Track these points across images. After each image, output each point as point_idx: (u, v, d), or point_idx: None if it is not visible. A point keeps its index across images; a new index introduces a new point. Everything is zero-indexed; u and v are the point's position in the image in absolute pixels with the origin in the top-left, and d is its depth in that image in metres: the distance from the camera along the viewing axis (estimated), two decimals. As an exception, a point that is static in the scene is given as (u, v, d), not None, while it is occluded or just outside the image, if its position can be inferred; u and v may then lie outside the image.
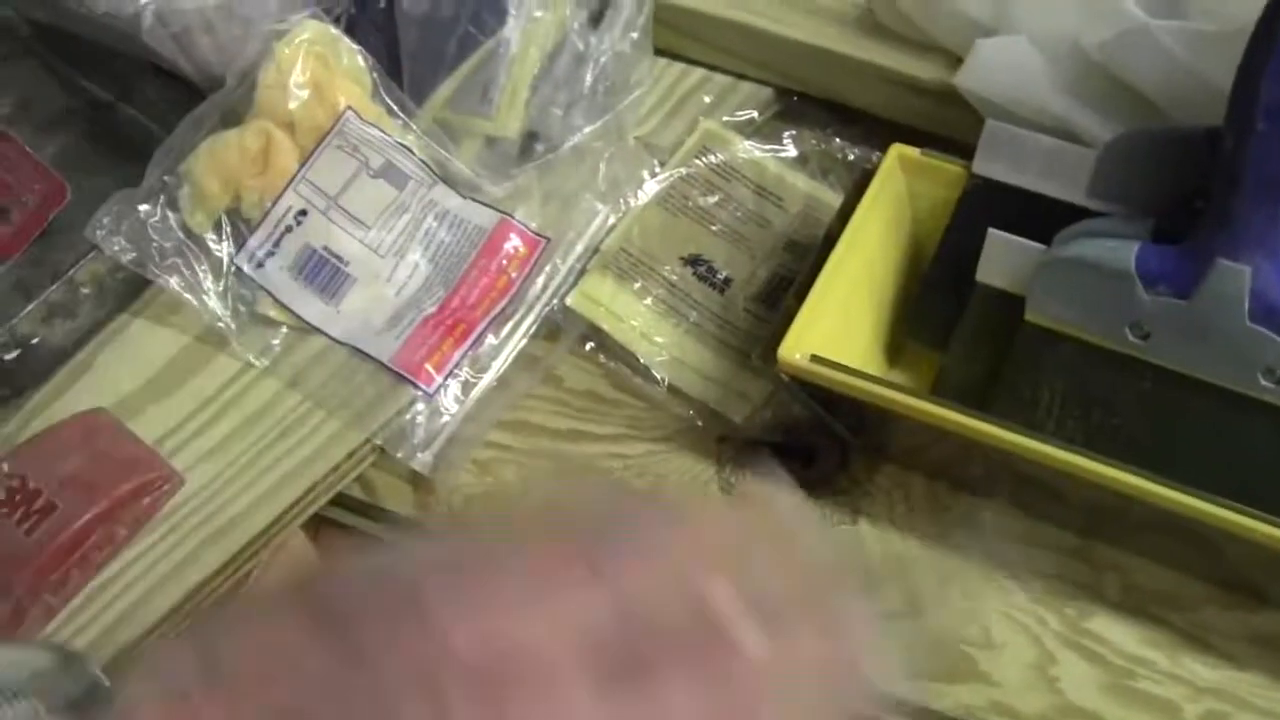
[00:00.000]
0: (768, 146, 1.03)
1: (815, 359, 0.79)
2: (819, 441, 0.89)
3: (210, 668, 0.40)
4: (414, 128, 0.98)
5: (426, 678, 0.39)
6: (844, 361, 0.80)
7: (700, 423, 0.92)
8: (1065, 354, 0.80)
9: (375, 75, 0.98)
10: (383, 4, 1.01)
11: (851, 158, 1.01)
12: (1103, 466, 0.74)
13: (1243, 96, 0.67)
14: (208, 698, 0.39)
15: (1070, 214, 0.81)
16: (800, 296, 0.81)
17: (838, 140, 1.03)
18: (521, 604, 0.41)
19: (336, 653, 0.39)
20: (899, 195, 0.89)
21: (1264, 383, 0.75)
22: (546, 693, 0.39)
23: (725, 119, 1.05)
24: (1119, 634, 0.83)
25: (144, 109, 1.05)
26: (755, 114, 1.06)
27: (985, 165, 0.85)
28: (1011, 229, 0.82)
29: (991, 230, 0.82)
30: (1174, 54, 0.81)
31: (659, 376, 0.93)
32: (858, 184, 0.87)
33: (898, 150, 0.88)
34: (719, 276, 0.96)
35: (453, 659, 0.39)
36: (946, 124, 0.94)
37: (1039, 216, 0.82)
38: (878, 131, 0.94)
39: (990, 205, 0.84)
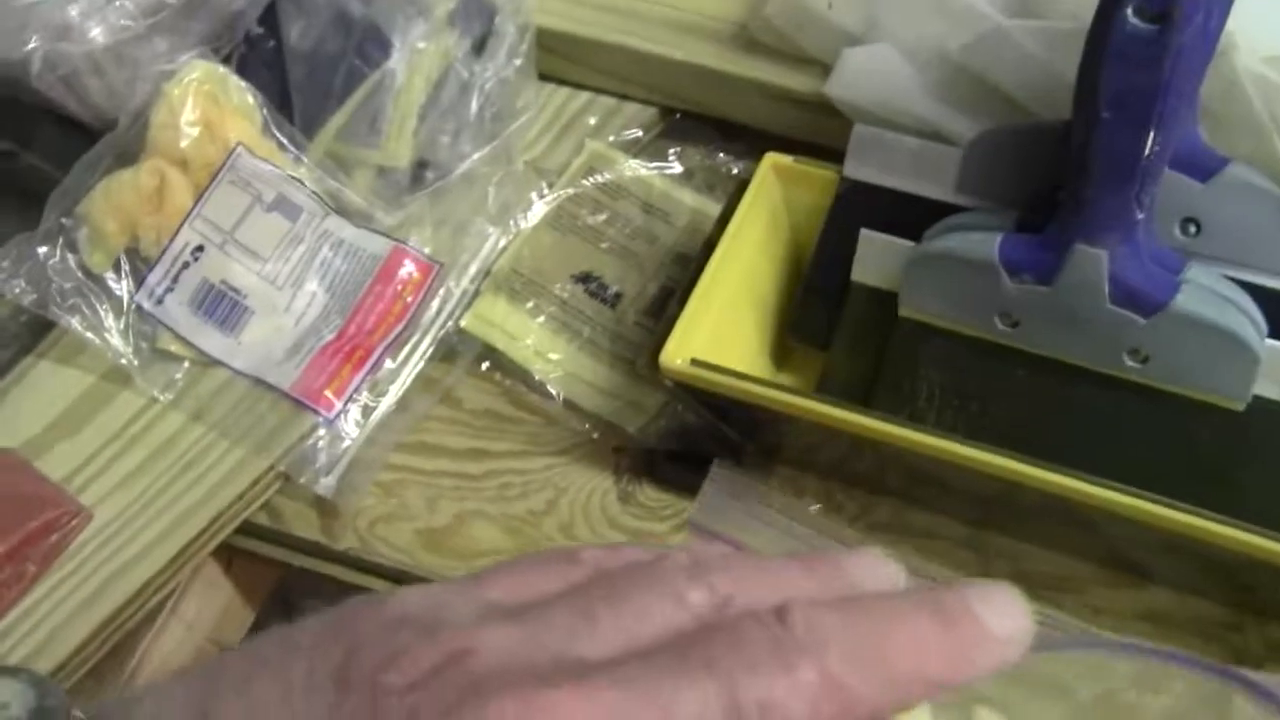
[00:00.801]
0: (654, 164, 1.05)
1: (696, 363, 0.80)
2: (713, 447, 0.90)
3: None
4: (305, 161, 0.99)
5: None
6: (729, 364, 0.82)
7: (597, 435, 0.93)
8: (939, 346, 0.82)
9: (265, 111, 1.00)
10: (271, 41, 1.02)
11: (736, 171, 1.03)
12: (977, 452, 0.76)
13: (1086, 88, 0.69)
14: None
15: (940, 211, 0.83)
16: (681, 304, 0.83)
17: (721, 155, 1.05)
18: None
19: None
20: (774, 202, 0.91)
21: (1129, 362, 0.77)
22: None
23: (611, 139, 1.07)
24: (1011, 620, 0.85)
25: (44, 155, 1.05)
26: (640, 133, 1.08)
27: (855, 168, 0.87)
28: (884, 229, 0.85)
29: (864, 230, 0.85)
30: (1030, 52, 0.84)
31: (554, 392, 0.95)
32: (734, 193, 0.89)
33: (771, 159, 0.90)
34: (609, 292, 0.98)
35: None
36: (825, 133, 0.96)
37: (910, 215, 0.84)
38: (760, 144, 0.96)
39: (862, 207, 0.86)
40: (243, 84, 1.00)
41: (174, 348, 0.96)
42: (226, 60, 1.01)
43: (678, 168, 1.05)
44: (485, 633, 0.39)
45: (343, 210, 0.99)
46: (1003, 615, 0.42)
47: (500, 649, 0.39)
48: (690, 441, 0.91)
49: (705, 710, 0.37)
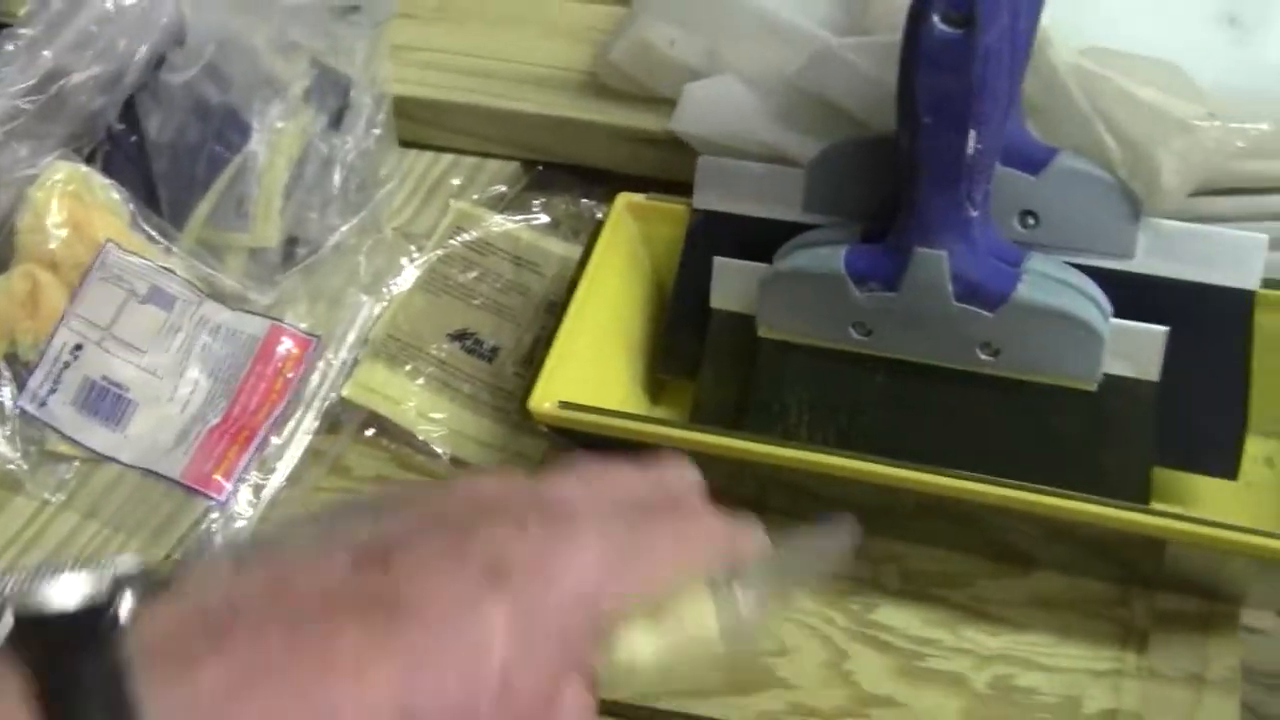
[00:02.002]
0: (520, 217, 1.06)
1: (564, 405, 0.82)
2: (599, 486, 0.91)
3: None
4: (176, 250, 1.00)
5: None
6: (603, 404, 0.84)
7: (485, 488, 0.94)
8: (801, 362, 0.84)
9: (131, 206, 1.01)
10: (133, 136, 1.03)
11: (600, 215, 1.04)
12: (848, 462, 0.77)
13: (905, 96, 0.71)
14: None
15: (790, 231, 0.85)
16: (547, 350, 0.84)
17: (585, 201, 1.07)
18: None
19: None
20: (632, 240, 0.92)
21: (982, 356, 0.79)
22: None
23: (476, 197, 1.09)
24: (903, 620, 0.86)
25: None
26: (504, 188, 1.10)
27: (705, 199, 0.89)
28: (739, 254, 0.86)
29: (717, 258, 0.87)
30: (860, 68, 0.86)
31: (440, 451, 0.96)
32: (592, 236, 0.91)
33: (624, 198, 0.92)
34: (486, 347, 0.99)
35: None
36: (682, 169, 0.96)
37: (762, 238, 0.86)
38: (621, 187, 0.97)
39: (715, 235, 0.88)
40: (106, 181, 1.01)
41: (62, 448, 0.97)
42: (90, 159, 1.02)
43: (544, 218, 1.06)
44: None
45: (217, 295, 1.00)
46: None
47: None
48: (576, 484, 0.92)
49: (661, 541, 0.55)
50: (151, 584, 0.44)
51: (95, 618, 0.42)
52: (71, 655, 0.41)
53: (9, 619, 0.41)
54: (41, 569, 0.42)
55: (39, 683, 0.41)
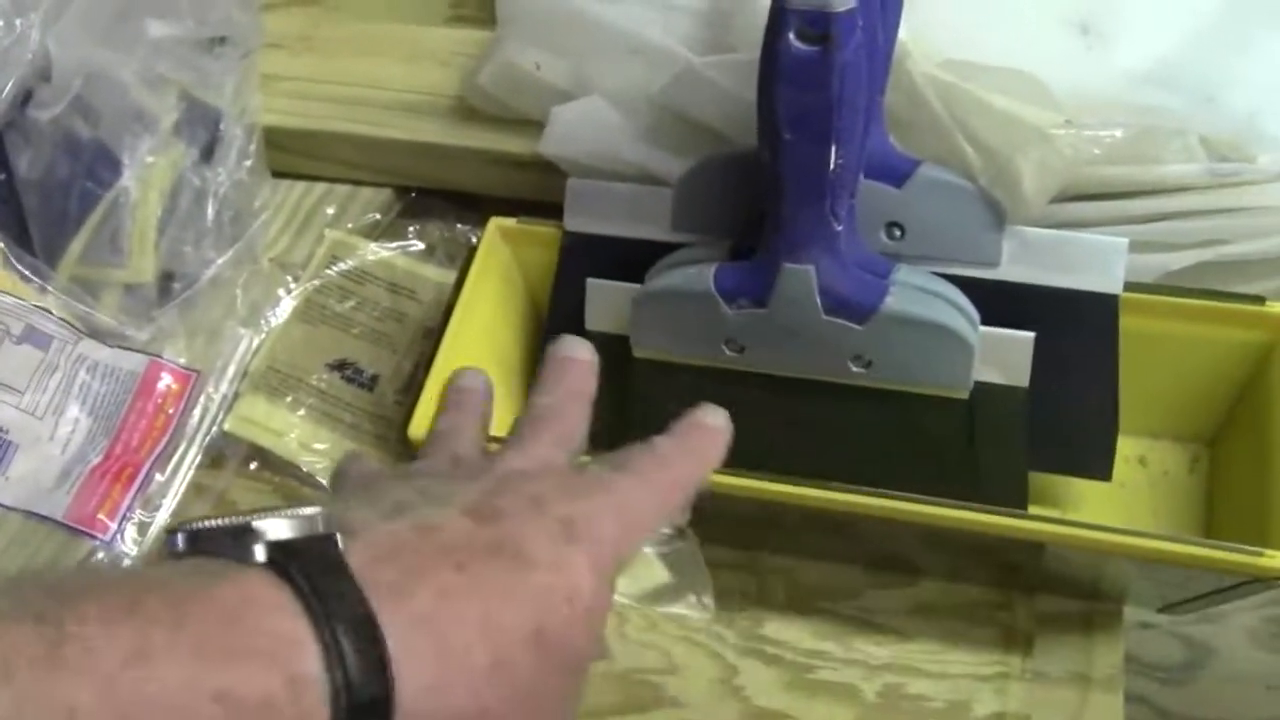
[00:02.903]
0: (395, 244, 1.07)
1: (442, 432, 0.82)
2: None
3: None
4: (50, 289, 1.00)
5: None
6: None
7: (370, 517, 0.94)
8: (677, 381, 0.85)
9: (2, 245, 1.00)
10: (2, 175, 1.03)
11: (474, 240, 1.04)
12: (727, 478, 0.78)
13: (765, 112, 0.72)
14: None
15: (661, 251, 0.86)
16: (425, 377, 0.85)
17: (459, 226, 1.07)
18: None
19: None
20: (505, 265, 0.93)
21: (854, 369, 0.80)
22: None
23: (350, 226, 1.08)
24: (792, 633, 0.87)
25: None
26: (378, 216, 1.10)
27: (575, 221, 0.89)
28: (611, 275, 0.87)
29: (590, 280, 0.87)
30: (723, 86, 0.86)
31: (324, 481, 0.96)
32: (465, 261, 0.91)
33: (496, 223, 0.92)
34: (365, 375, 0.99)
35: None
36: (554, 191, 0.97)
37: (633, 258, 0.86)
38: (495, 211, 0.97)
39: (587, 257, 0.89)
40: (-24, 221, 1.00)
41: (-60, 492, 0.96)
42: (-41, 200, 1.02)
43: (419, 245, 1.06)
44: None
45: (94, 332, 1.00)
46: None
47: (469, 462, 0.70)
48: (460, 509, 0.92)
49: (643, 491, 0.67)
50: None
51: (326, 545, 0.53)
52: (319, 574, 0.51)
53: (260, 547, 0.52)
54: (261, 511, 0.53)
55: (301, 598, 0.50)
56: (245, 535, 0.52)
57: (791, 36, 0.69)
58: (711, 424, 0.73)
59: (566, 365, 0.76)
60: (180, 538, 0.53)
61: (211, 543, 0.53)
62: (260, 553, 0.52)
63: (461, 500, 0.60)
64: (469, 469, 0.68)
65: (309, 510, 0.54)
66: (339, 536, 0.54)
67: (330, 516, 0.55)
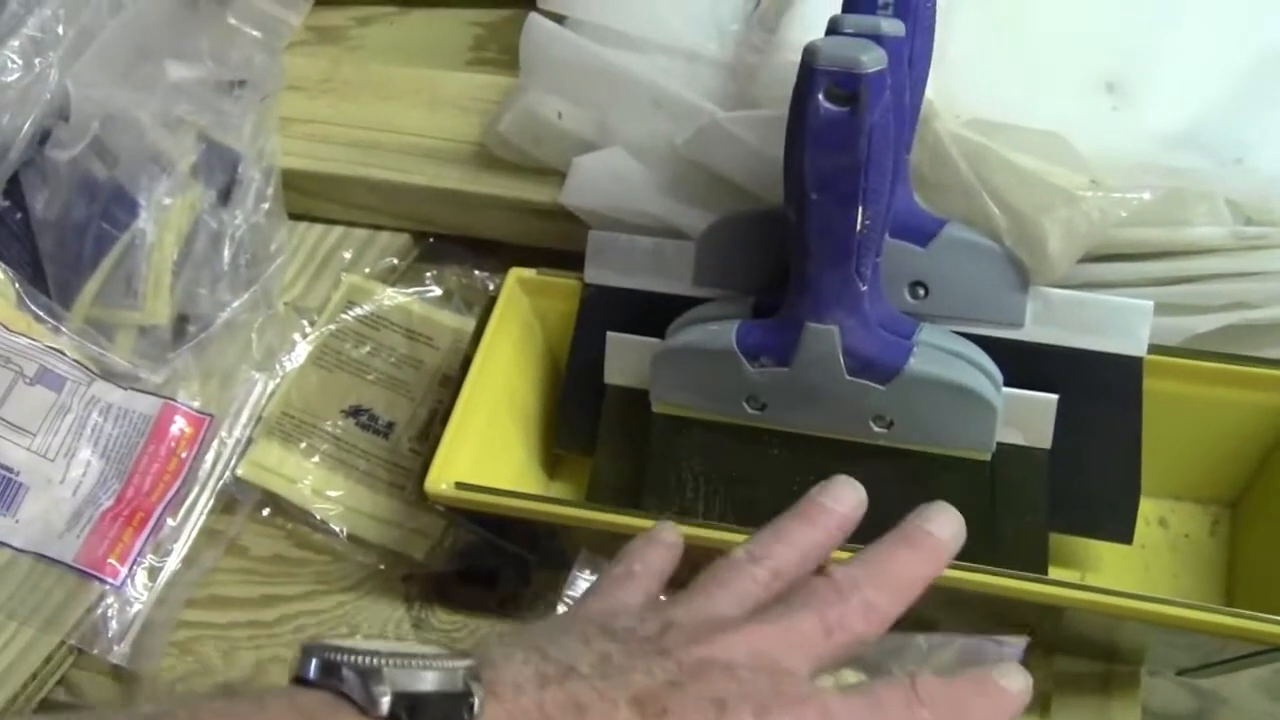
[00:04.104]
0: (412, 290, 1.06)
1: (461, 485, 0.81)
2: (499, 562, 0.91)
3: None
4: (64, 330, 0.99)
5: None
6: (499, 481, 0.83)
7: (384, 566, 0.94)
8: (695, 437, 0.84)
9: (17, 286, 1.00)
10: (18, 214, 1.02)
11: (492, 287, 1.04)
12: (741, 538, 0.77)
13: (793, 173, 0.71)
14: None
15: (682, 305, 0.85)
16: (442, 429, 0.84)
17: (477, 272, 1.07)
18: None
19: None
20: (524, 315, 0.92)
21: (876, 429, 0.80)
22: None
23: (367, 271, 1.08)
24: (807, 690, 0.86)
25: None
26: (396, 261, 1.09)
27: (595, 273, 0.89)
28: (631, 328, 0.86)
29: (610, 333, 0.87)
30: (746, 142, 0.86)
31: (338, 529, 0.95)
32: (484, 311, 0.90)
33: (516, 273, 0.92)
34: (381, 422, 0.99)
35: None
36: (574, 240, 0.96)
37: (654, 313, 0.86)
38: (513, 258, 0.97)
39: (607, 310, 0.88)
40: (-8, 262, 1.00)
41: (-50, 534, 0.95)
42: (-28, 237, 1.02)
43: (436, 290, 1.06)
44: (667, 612, 0.60)
45: (108, 374, 0.99)
46: (941, 523, 0.67)
47: (684, 618, 0.59)
48: (476, 560, 0.92)
49: (812, 628, 0.59)
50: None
51: (459, 704, 0.52)
52: None
53: (387, 698, 0.51)
54: (402, 657, 0.52)
55: None
56: (373, 677, 0.51)
57: (821, 97, 0.69)
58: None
59: (824, 515, 0.68)
60: (314, 666, 0.52)
61: (339, 678, 0.52)
62: (385, 705, 0.50)
63: (634, 686, 0.55)
64: (662, 631, 0.59)
65: (455, 663, 0.53)
66: (476, 699, 0.52)
67: (476, 670, 0.53)
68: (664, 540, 0.70)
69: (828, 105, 0.69)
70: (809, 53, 0.69)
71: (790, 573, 0.64)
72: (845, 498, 0.69)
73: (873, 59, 0.68)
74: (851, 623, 0.61)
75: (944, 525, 0.67)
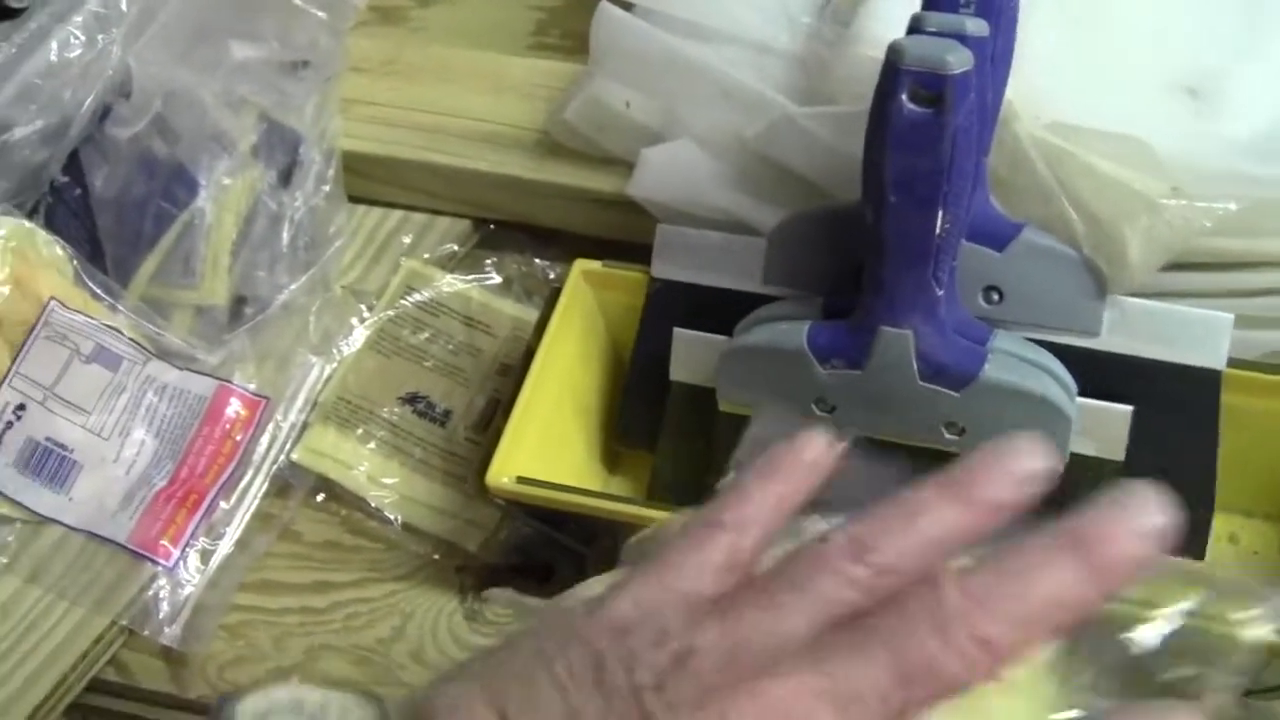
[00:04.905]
0: (471, 276, 1.05)
1: (521, 480, 0.80)
2: (554, 557, 0.90)
3: None
4: (121, 308, 0.99)
5: None
6: (558, 475, 0.83)
7: (438, 556, 0.93)
8: (762, 437, 0.83)
9: (76, 262, 0.99)
10: (77, 190, 1.02)
11: (553, 276, 1.04)
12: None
13: (872, 174, 0.70)
14: None
15: (750, 302, 0.84)
16: (505, 419, 0.83)
17: (538, 261, 1.06)
18: None
19: None
20: (588, 308, 0.91)
21: (947, 435, 0.79)
22: None
23: (426, 256, 1.07)
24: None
25: None
26: (455, 247, 1.08)
27: (663, 268, 0.88)
28: (698, 325, 0.85)
29: (676, 329, 0.86)
30: (820, 138, 0.85)
31: (392, 517, 0.94)
32: (548, 302, 0.89)
33: (581, 265, 0.91)
34: (438, 410, 0.98)
35: None
36: (637, 231, 0.96)
37: (722, 309, 0.85)
38: (574, 247, 0.96)
39: (674, 305, 0.87)
40: (51, 237, 0.99)
41: (4, 509, 0.95)
42: (32, 213, 1.01)
43: (495, 278, 1.05)
44: (698, 634, 0.46)
45: (164, 354, 0.98)
46: (1138, 521, 0.46)
47: (714, 647, 0.45)
48: (531, 554, 0.91)
49: (882, 677, 0.44)
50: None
51: None
52: None
53: None
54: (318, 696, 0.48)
55: None
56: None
57: (904, 97, 0.67)
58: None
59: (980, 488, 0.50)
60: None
61: None
62: None
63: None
64: (668, 669, 0.46)
65: (359, 703, 0.48)
66: None
67: (408, 702, 0.47)
68: (801, 459, 0.55)
69: (911, 106, 0.68)
70: (894, 51, 0.67)
71: (910, 569, 0.47)
72: (1020, 468, 0.50)
73: (959, 60, 0.66)
74: (945, 667, 0.44)
75: (1140, 525, 0.46)
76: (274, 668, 0.89)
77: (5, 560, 0.93)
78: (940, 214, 0.70)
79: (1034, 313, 0.80)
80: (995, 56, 0.75)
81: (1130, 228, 0.77)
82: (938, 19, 0.71)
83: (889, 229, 0.71)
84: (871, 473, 0.81)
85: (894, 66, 0.67)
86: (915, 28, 0.71)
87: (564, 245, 1.04)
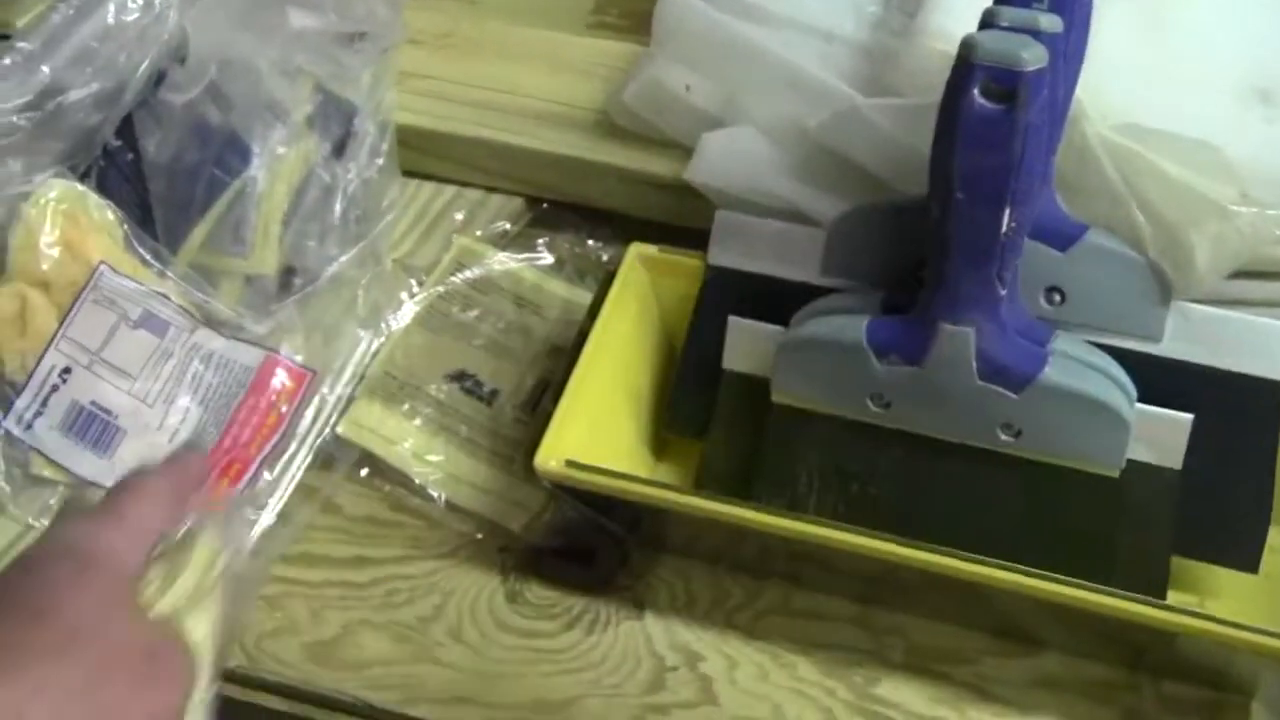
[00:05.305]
0: (523, 256, 1.05)
1: (571, 464, 0.80)
2: (598, 541, 0.90)
3: None
4: (170, 275, 0.98)
5: None
6: (606, 460, 0.82)
7: (480, 535, 0.92)
8: (815, 430, 0.82)
9: (126, 227, 0.98)
10: (129, 154, 1.01)
11: (605, 258, 1.03)
12: (855, 538, 0.76)
13: (940, 170, 0.69)
14: None
15: (808, 293, 0.83)
16: (555, 401, 0.82)
17: (590, 242, 1.05)
18: None
19: None
20: (643, 293, 0.91)
21: (1003, 436, 0.78)
22: None
23: (479, 233, 1.07)
24: (906, 695, 0.84)
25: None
26: (508, 225, 1.08)
27: (720, 255, 0.87)
28: (753, 314, 0.85)
29: (732, 318, 0.85)
30: (886, 130, 0.84)
31: (435, 494, 0.94)
32: (602, 285, 0.89)
33: (636, 249, 0.90)
34: (485, 389, 0.97)
35: None
36: (691, 215, 0.96)
37: (778, 299, 0.84)
38: (628, 230, 0.96)
39: (730, 293, 0.87)
40: (102, 201, 0.98)
41: (47, 472, 0.95)
42: (84, 176, 1.00)
43: (547, 258, 1.04)
44: None
45: (211, 322, 0.98)
46: None
47: None
48: (575, 537, 0.90)
49: None
50: None
51: None
52: None
53: None
54: None
55: None
56: None
57: (976, 93, 0.67)
58: None
59: None
60: None
61: None
62: None
63: None
64: None
65: None
66: None
67: None
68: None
69: (983, 102, 0.67)
70: (967, 46, 0.67)
71: None
72: None
73: (1034, 56, 0.66)
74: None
75: None
76: (311, 640, 0.89)
77: (47, 522, 0.93)
78: (1007, 212, 0.69)
79: (1095, 315, 0.79)
80: (1067, 54, 0.74)
81: (1199, 233, 0.76)
82: (1012, 14, 0.70)
83: (955, 226, 0.71)
84: (917, 468, 0.81)
85: (967, 61, 0.66)
86: (988, 22, 0.71)
87: (617, 227, 1.03)
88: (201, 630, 0.71)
